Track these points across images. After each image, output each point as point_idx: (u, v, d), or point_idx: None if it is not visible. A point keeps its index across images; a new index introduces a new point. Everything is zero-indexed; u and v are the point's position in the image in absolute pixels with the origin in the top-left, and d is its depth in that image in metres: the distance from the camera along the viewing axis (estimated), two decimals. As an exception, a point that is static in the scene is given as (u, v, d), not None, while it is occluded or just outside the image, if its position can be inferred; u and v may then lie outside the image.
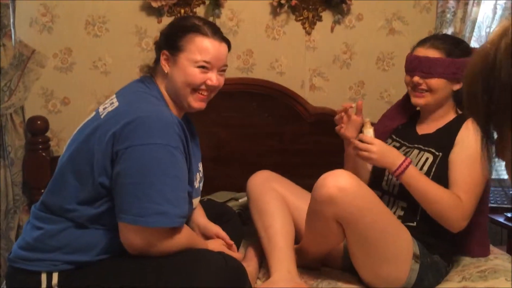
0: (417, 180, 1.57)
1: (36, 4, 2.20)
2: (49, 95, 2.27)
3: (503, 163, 0.64)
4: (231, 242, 1.62)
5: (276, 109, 2.38)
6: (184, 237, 1.36)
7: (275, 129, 2.38)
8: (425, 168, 1.64)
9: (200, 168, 1.61)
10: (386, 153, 1.59)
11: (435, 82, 1.66)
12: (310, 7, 2.42)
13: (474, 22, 2.47)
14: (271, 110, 2.37)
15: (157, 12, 2.29)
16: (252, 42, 2.42)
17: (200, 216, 1.68)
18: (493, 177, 2.21)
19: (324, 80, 2.53)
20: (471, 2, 2.44)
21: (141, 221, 1.25)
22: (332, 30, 2.48)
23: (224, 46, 1.49)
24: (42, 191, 2.10)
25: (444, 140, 1.67)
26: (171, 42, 1.45)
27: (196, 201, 1.54)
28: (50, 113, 2.27)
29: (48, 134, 2.19)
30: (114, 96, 1.46)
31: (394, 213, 1.69)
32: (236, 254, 1.61)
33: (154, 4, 2.22)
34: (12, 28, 2.04)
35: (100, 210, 1.34)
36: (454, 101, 1.74)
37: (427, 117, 1.77)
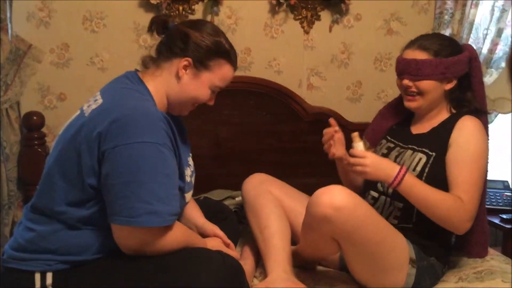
0: (416, 188, 1.54)
1: (33, -2, 2.19)
2: (45, 91, 2.26)
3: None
4: (229, 241, 1.61)
5: (274, 107, 2.38)
6: (180, 235, 1.35)
7: (273, 127, 2.38)
8: (418, 168, 1.64)
9: (191, 162, 1.58)
10: (380, 165, 1.55)
11: (424, 84, 1.65)
12: (309, 6, 2.42)
13: (471, 23, 2.48)
14: (269, 108, 2.38)
15: (156, 9, 2.28)
16: (250, 40, 2.42)
17: (197, 217, 1.67)
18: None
19: (321, 79, 2.53)
20: (469, 4, 2.46)
21: (133, 221, 1.23)
22: (330, 29, 2.49)
23: None
24: (38, 186, 2.10)
25: (437, 140, 1.67)
26: (201, 57, 1.42)
27: (188, 195, 1.52)
28: (46, 108, 2.26)
29: (44, 129, 2.18)
30: (98, 93, 1.43)
31: (391, 213, 1.68)
32: (234, 253, 1.60)
33: (153, 1, 2.22)
34: (8, 23, 2.03)
35: (91, 211, 1.32)
36: (447, 100, 1.74)
37: (421, 117, 1.77)
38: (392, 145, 1.80)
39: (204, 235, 1.60)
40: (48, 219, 1.34)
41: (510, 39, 2.55)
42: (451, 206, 1.53)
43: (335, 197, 1.44)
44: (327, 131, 1.71)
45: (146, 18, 2.29)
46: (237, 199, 2.13)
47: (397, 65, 1.73)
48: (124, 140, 1.24)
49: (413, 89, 1.67)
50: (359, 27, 2.51)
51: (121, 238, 1.28)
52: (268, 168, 2.12)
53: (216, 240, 1.58)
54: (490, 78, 2.58)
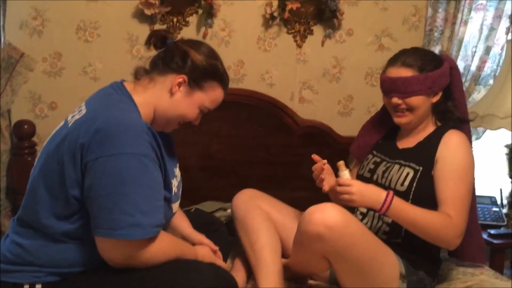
0: (404, 211, 1.55)
1: (27, 7, 2.18)
2: (37, 99, 2.25)
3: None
4: (216, 248, 1.61)
5: (266, 120, 2.39)
6: (166, 246, 1.34)
7: (264, 140, 2.39)
8: (406, 183, 1.65)
9: (177, 173, 1.58)
10: (366, 192, 1.55)
11: (414, 100, 1.67)
12: (302, 20, 2.45)
13: (461, 41, 2.53)
14: (261, 121, 2.39)
15: (150, 20, 2.29)
16: (244, 53, 2.43)
17: (184, 227, 1.66)
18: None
19: (313, 93, 2.55)
20: (458, 22, 2.50)
21: (115, 234, 1.22)
22: (322, 44, 2.51)
23: None
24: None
25: (424, 155, 1.69)
26: (197, 76, 1.43)
27: (175, 205, 1.51)
28: (37, 117, 2.25)
29: (35, 139, 2.16)
30: (83, 103, 1.42)
31: (380, 228, 1.70)
32: (222, 262, 1.60)
33: (147, 12, 2.22)
34: (1, 30, 2.02)
35: (77, 225, 1.30)
36: (433, 113, 1.76)
37: (407, 131, 1.79)
38: (378, 160, 1.81)
39: (191, 244, 1.59)
40: (34, 233, 1.32)
41: (498, 57, 2.60)
42: (440, 225, 1.55)
43: (327, 216, 1.45)
44: (316, 167, 1.71)
45: (140, 28, 2.30)
46: (228, 211, 2.12)
47: (382, 84, 1.73)
48: (107, 151, 1.22)
49: (403, 106, 1.69)
50: (351, 42, 2.54)
51: (105, 251, 1.26)
52: (259, 181, 2.13)
53: (205, 248, 1.58)
54: (478, 94, 2.62)
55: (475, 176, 1.68)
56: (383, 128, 1.90)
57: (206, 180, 2.30)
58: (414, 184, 1.65)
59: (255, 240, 1.72)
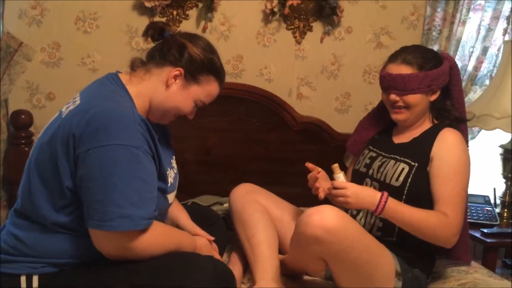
0: (399, 212, 1.56)
1: (26, -4, 2.17)
2: (34, 90, 2.24)
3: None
4: (212, 238, 1.62)
5: (264, 115, 2.39)
6: (160, 237, 1.33)
7: (262, 135, 2.39)
8: (401, 178, 1.66)
9: (174, 164, 1.58)
10: (361, 194, 1.56)
11: (412, 98, 1.67)
12: (302, 17, 2.45)
13: (458, 41, 2.55)
14: (259, 116, 2.39)
15: (150, 12, 2.28)
16: (243, 48, 2.43)
17: (182, 219, 1.67)
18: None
19: (311, 89, 2.56)
20: (456, 21, 2.52)
21: (105, 225, 1.22)
22: (321, 40, 2.52)
23: None
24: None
25: (419, 151, 1.69)
26: (193, 70, 1.42)
27: (171, 196, 1.51)
28: (34, 107, 2.23)
29: (32, 129, 2.15)
30: (78, 94, 1.41)
31: (373, 224, 1.71)
32: (218, 255, 1.61)
33: (147, 4, 2.22)
34: (0, 19, 2.00)
35: (72, 217, 1.30)
36: (431, 111, 1.76)
37: (404, 127, 1.79)
38: (374, 155, 1.82)
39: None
40: (31, 224, 1.32)
41: (494, 57, 2.62)
42: (436, 224, 1.56)
43: (325, 218, 1.45)
44: (311, 176, 1.72)
45: (139, 21, 2.29)
46: (225, 205, 2.13)
47: (382, 80, 1.74)
48: (98, 143, 1.22)
49: (400, 104, 1.70)
50: (349, 39, 2.55)
51: (98, 242, 1.27)
52: (256, 176, 2.14)
53: (203, 239, 1.58)
54: (474, 95, 2.64)
55: (470, 173, 1.69)
56: (380, 124, 1.91)
57: (203, 174, 2.30)
58: (409, 180, 1.65)
59: (252, 235, 1.72)
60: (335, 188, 1.58)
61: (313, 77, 2.55)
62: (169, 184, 1.46)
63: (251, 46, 2.44)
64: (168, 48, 1.44)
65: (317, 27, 2.50)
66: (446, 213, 1.58)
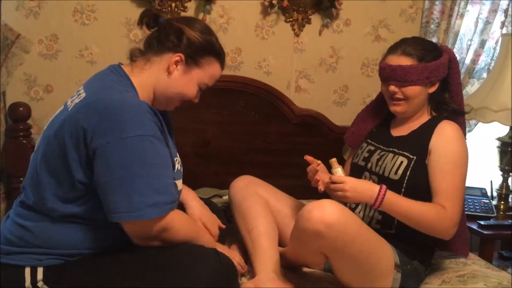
0: (398, 204, 1.57)
1: (23, -13, 2.15)
2: (32, 82, 2.23)
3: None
4: (222, 226, 1.66)
5: (262, 108, 2.40)
6: (185, 226, 1.37)
7: (260, 128, 2.40)
8: (400, 172, 1.67)
9: (176, 153, 1.59)
10: (359, 188, 1.56)
11: (410, 90, 1.67)
12: (300, 9, 2.45)
13: (456, 34, 2.55)
14: (257, 109, 2.39)
15: (148, 4, 2.27)
16: (241, 40, 2.43)
17: (188, 196, 1.68)
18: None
19: (309, 82, 2.56)
20: (454, 15, 2.52)
21: (133, 216, 1.24)
22: (320, 33, 2.52)
23: None
24: (21, 179, 2.05)
25: (417, 143, 1.70)
26: (193, 53, 1.42)
27: (179, 182, 1.51)
28: (32, 100, 2.23)
29: (29, 121, 2.14)
30: (82, 87, 1.41)
31: (372, 217, 1.72)
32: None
33: (146, -4, 2.21)
34: (-3, 11, 1.99)
35: (82, 208, 1.31)
36: (429, 103, 1.77)
37: (402, 119, 1.79)
38: (373, 148, 1.82)
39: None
40: (38, 215, 1.32)
41: (492, 51, 2.63)
42: (435, 216, 1.57)
43: (326, 213, 1.44)
44: (310, 169, 1.72)
45: (137, 13, 2.19)
46: (224, 197, 2.13)
47: (381, 71, 1.74)
48: (114, 136, 1.23)
49: (399, 95, 1.70)
50: (348, 32, 2.55)
51: (129, 232, 1.29)
52: (255, 168, 2.14)
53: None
54: (471, 88, 2.65)
55: (468, 166, 1.70)
56: (378, 116, 1.91)
57: (202, 166, 2.31)
58: (408, 173, 1.66)
59: (252, 227, 1.73)
60: (333, 182, 1.58)
61: (311, 70, 2.55)
62: (176, 170, 1.46)
63: (250, 39, 2.44)
64: (166, 34, 1.42)
65: (316, 19, 2.50)
66: (444, 205, 1.59)
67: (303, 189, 2.01)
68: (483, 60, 2.64)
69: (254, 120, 2.39)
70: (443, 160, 1.64)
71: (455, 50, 2.58)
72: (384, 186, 1.57)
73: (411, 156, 1.68)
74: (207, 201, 2.00)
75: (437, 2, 2.51)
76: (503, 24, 2.60)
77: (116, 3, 2.26)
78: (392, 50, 1.72)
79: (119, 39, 2.28)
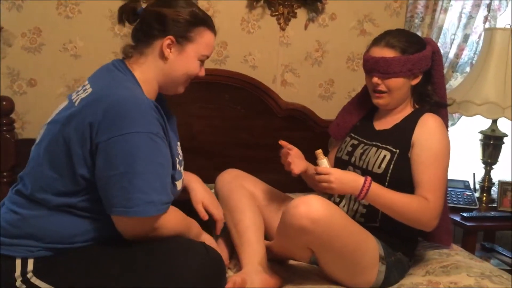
0: (382, 196, 1.59)
1: (5, -20, 2.12)
2: (15, 76, 2.20)
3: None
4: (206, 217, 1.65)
5: (248, 102, 2.39)
6: (176, 221, 1.39)
7: (246, 122, 2.40)
8: (383, 165, 1.68)
9: (179, 150, 1.59)
10: (344, 179, 1.58)
11: (393, 82, 1.69)
12: (286, 3, 2.45)
13: (440, 28, 2.58)
14: (243, 103, 2.39)
15: (131, -3, 2.24)
16: (227, 34, 2.42)
17: (191, 181, 1.69)
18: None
19: (295, 76, 2.57)
20: (438, 9, 2.54)
21: (130, 212, 1.25)
22: (305, 27, 2.52)
23: None
24: (5, 173, 2.04)
25: (400, 137, 1.72)
26: (181, 31, 1.41)
27: (179, 183, 1.53)
28: (15, 94, 2.20)
29: (13, 115, 2.12)
30: (87, 81, 1.42)
31: (357, 211, 1.73)
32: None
33: (130, -11, 2.18)
34: (-21, 4, 1.96)
35: (80, 199, 1.32)
36: (412, 95, 1.78)
37: (385, 112, 1.81)
38: (356, 142, 1.83)
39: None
40: (34, 204, 1.33)
41: (475, 45, 2.66)
42: (418, 208, 1.59)
43: (312, 209, 1.46)
44: (282, 152, 1.74)
45: None
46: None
47: (365, 63, 1.75)
48: (118, 131, 1.24)
49: (382, 88, 1.71)
50: (333, 26, 2.55)
51: (121, 227, 1.30)
52: (241, 162, 2.14)
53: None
54: (455, 81, 2.68)
55: (450, 158, 1.73)
56: (363, 108, 1.92)
57: (188, 160, 2.27)
58: (391, 167, 1.68)
59: (239, 220, 1.73)
60: (318, 173, 1.59)
61: (297, 64, 2.55)
62: (178, 170, 1.48)
63: (236, 33, 2.43)
64: (148, 24, 1.43)
65: (301, 13, 2.50)
66: (426, 197, 1.61)
67: (289, 183, 2.02)
68: (466, 54, 2.67)
69: (240, 114, 2.39)
70: (426, 153, 1.66)
71: (439, 44, 2.60)
72: (369, 178, 1.58)
73: (394, 150, 1.70)
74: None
75: (421, -3, 2.53)
76: (486, 19, 2.63)
77: (100, -4, 2.23)
78: (376, 42, 1.74)
79: (104, 32, 2.26)
